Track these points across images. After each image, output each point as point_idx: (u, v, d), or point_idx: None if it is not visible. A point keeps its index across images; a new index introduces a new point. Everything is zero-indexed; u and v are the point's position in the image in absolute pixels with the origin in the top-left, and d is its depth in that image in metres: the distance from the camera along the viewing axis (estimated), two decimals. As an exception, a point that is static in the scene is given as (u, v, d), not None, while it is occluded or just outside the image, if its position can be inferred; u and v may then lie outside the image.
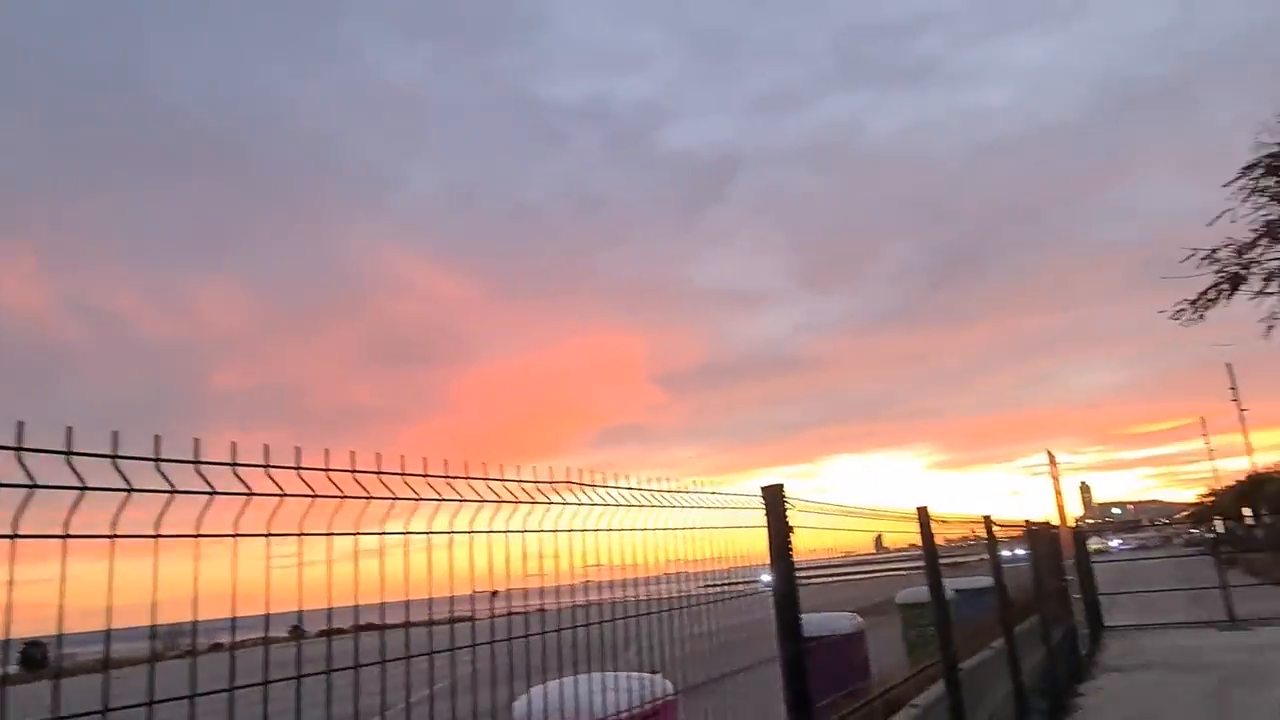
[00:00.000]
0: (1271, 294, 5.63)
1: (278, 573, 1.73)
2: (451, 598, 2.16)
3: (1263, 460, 43.82)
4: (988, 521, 7.62)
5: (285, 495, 1.74)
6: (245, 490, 1.68)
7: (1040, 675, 8.75)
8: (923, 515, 5.67)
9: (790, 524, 3.49)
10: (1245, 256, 5.66)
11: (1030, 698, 7.71)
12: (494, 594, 2.30)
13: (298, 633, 1.85)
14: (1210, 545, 26.95)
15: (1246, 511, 43.82)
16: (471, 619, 2.31)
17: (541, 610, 2.53)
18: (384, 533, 1.96)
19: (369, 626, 2.12)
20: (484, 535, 2.21)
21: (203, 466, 1.59)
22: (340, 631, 2.03)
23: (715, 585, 3.39)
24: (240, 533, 1.66)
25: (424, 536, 2.07)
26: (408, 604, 2.05)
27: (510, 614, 2.45)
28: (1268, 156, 5.50)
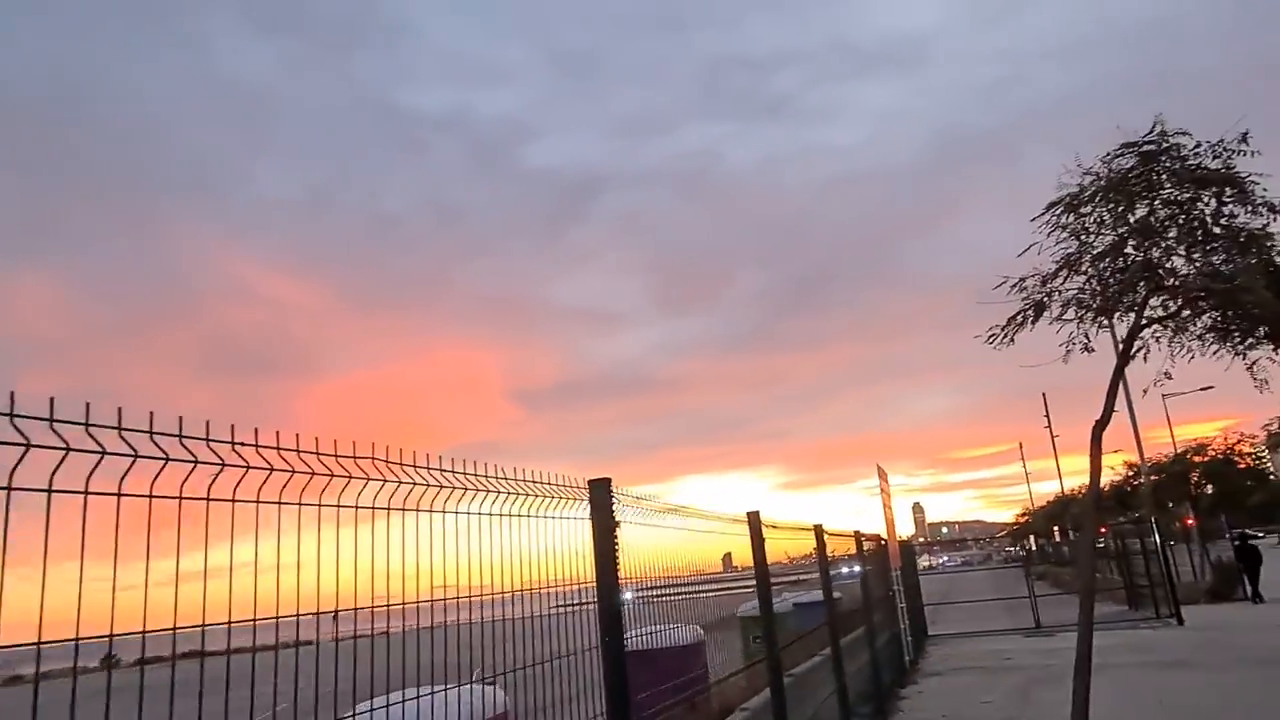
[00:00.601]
0: (1070, 320, 6.57)
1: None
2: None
3: (1070, 483, 48.12)
4: (818, 530, 7.99)
5: (139, 457, 1.75)
6: (99, 449, 1.66)
7: (866, 680, 9.39)
8: (753, 520, 5.77)
9: (616, 519, 3.45)
10: (1049, 285, 6.58)
11: (854, 702, 8.25)
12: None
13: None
14: (1023, 560, 29.61)
15: (1056, 529, 48.02)
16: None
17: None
18: (234, 501, 1.97)
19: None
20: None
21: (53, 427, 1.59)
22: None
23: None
24: (93, 490, 1.65)
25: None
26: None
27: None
28: (1068, 196, 6.42)
